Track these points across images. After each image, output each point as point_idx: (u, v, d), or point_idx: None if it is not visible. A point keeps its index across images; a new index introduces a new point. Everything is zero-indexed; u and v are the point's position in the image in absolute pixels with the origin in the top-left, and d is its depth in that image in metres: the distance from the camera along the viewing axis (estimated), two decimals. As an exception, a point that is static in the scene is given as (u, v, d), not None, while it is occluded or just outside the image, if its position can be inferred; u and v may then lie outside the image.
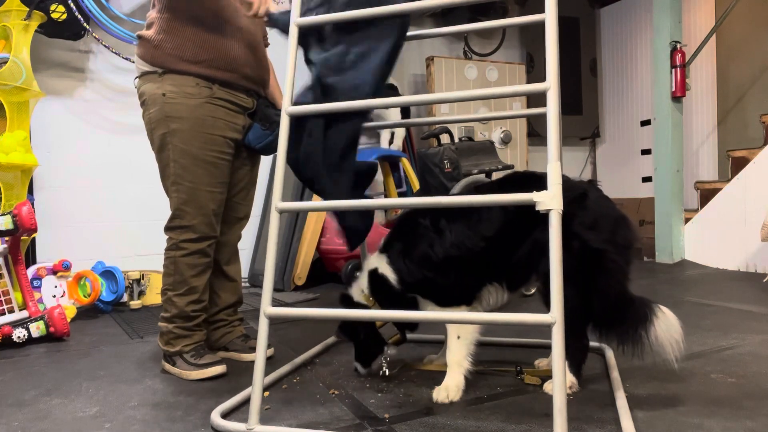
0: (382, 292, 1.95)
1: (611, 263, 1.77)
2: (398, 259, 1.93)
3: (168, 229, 2.20)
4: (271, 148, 2.32)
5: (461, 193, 3.09)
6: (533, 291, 2.98)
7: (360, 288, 2.01)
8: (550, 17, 1.49)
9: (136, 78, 2.22)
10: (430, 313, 1.76)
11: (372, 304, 1.96)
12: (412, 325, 2.07)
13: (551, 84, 1.45)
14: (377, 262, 1.98)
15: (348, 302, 2.00)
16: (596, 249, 1.75)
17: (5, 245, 2.91)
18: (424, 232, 1.90)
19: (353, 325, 2.00)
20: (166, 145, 2.14)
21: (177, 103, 2.12)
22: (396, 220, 2.10)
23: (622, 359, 2.12)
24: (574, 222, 1.74)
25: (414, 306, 1.94)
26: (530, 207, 1.76)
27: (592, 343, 2.23)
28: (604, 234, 1.78)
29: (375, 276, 1.96)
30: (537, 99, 5.12)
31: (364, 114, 1.86)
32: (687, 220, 4.66)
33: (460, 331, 1.86)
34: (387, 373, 2.03)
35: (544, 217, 1.73)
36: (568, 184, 1.80)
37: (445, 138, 3.80)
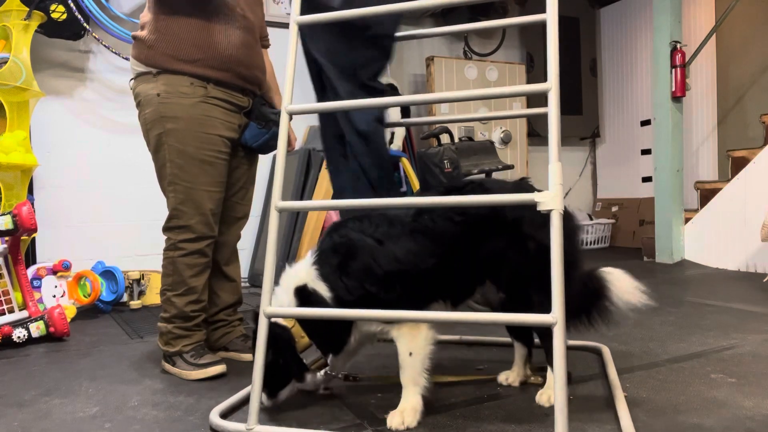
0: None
1: (567, 255, 1.76)
2: (334, 273, 1.69)
3: (166, 229, 2.20)
4: (267, 147, 2.32)
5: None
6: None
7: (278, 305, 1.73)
8: (550, 17, 1.49)
9: (132, 80, 2.22)
10: (426, 313, 1.66)
11: (292, 325, 1.71)
12: (336, 349, 1.78)
13: (552, 84, 1.45)
14: (305, 277, 1.72)
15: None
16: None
17: (5, 245, 2.91)
18: (363, 243, 1.70)
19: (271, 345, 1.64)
20: (162, 145, 2.14)
21: (172, 103, 2.11)
22: (328, 229, 1.85)
23: (621, 359, 2.12)
24: (524, 224, 1.70)
25: (346, 327, 1.73)
26: (482, 218, 1.73)
27: (589, 342, 2.24)
28: None
29: (304, 294, 1.71)
30: (537, 99, 5.12)
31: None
32: (687, 220, 4.66)
33: (412, 347, 1.65)
34: (354, 377, 1.84)
35: (499, 226, 1.71)
36: (507, 186, 1.81)
37: (445, 138, 3.80)
